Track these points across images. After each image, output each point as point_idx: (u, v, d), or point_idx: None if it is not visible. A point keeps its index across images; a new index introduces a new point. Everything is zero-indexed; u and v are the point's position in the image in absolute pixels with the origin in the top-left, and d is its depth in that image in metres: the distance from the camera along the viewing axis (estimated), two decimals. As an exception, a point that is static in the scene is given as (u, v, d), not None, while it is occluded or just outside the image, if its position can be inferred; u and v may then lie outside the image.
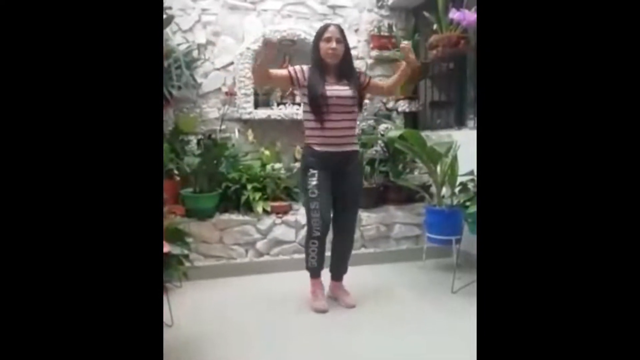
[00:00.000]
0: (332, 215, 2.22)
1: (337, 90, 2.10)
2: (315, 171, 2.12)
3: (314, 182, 2.12)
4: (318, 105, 2.07)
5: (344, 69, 2.15)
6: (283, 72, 2.16)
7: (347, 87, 2.11)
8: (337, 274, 2.36)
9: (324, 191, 2.13)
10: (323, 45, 2.09)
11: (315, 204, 2.11)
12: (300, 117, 3.42)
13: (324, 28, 2.12)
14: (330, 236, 2.26)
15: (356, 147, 2.23)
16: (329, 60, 2.11)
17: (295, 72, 2.14)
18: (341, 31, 2.12)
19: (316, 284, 2.28)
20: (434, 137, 3.16)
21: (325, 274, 2.34)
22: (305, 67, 2.16)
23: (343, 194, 2.19)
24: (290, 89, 3.23)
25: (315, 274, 2.28)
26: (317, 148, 2.13)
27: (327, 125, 2.10)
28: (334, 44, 2.08)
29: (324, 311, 2.17)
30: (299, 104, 3.51)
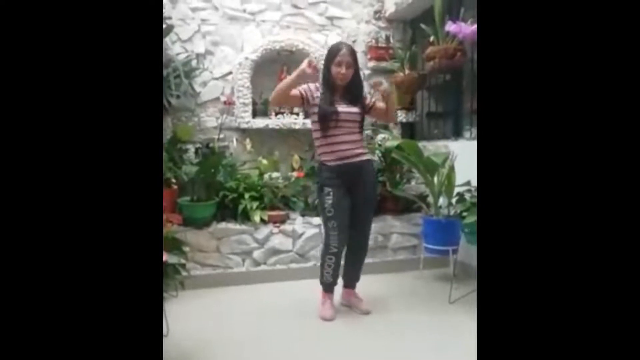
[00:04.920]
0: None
1: (344, 107, 2.17)
2: (330, 189, 2.16)
3: (330, 200, 2.15)
4: (327, 121, 2.14)
5: (353, 90, 2.21)
6: (294, 92, 2.18)
7: (353, 105, 2.19)
8: (351, 282, 2.39)
9: (342, 209, 2.16)
10: (334, 69, 2.14)
11: (333, 222, 2.15)
12: (298, 126, 3.46)
13: (337, 51, 2.14)
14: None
15: (368, 157, 2.28)
16: (339, 83, 2.17)
17: (305, 92, 2.19)
18: (352, 54, 2.16)
19: (327, 295, 2.30)
20: (430, 148, 3.19)
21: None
22: (312, 86, 2.21)
23: (357, 204, 2.22)
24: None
25: (328, 289, 2.30)
26: (330, 163, 2.19)
27: (336, 140, 2.16)
28: (343, 70, 2.13)
29: (331, 320, 2.20)
30: (296, 114, 3.54)
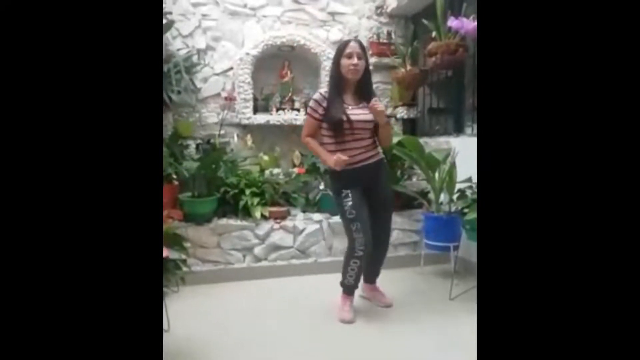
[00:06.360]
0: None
1: (357, 114, 2.09)
2: (347, 191, 2.10)
3: (349, 202, 2.09)
4: (339, 129, 2.06)
5: (363, 87, 2.14)
6: (314, 123, 2.13)
7: (367, 111, 2.10)
8: (372, 278, 2.40)
9: (362, 209, 2.10)
10: (344, 61, 2.07)
11: (357, 224, 2.08)
12: (299, 122, 3.45)
13: (345, 44, 2.10)
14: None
15: (380, 156, 2.21)
16: (350, 77, 2.09)
17: (316, 111, 2.12)
18: (362, 47, 2.10)
19: (348, 298, 2.25)
20: (432, 144, 3.18)
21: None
22: (319, 97, 2.13)
23: (377, 203, 2.18)
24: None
25: (350, 291, 2.25)
26: (343, 169, 2.10)
27: (347, 147, 2.09)
28: (355, 60, 2.05)
29: (350, 322, 2.14)
30: (297, 110, 3.53)
